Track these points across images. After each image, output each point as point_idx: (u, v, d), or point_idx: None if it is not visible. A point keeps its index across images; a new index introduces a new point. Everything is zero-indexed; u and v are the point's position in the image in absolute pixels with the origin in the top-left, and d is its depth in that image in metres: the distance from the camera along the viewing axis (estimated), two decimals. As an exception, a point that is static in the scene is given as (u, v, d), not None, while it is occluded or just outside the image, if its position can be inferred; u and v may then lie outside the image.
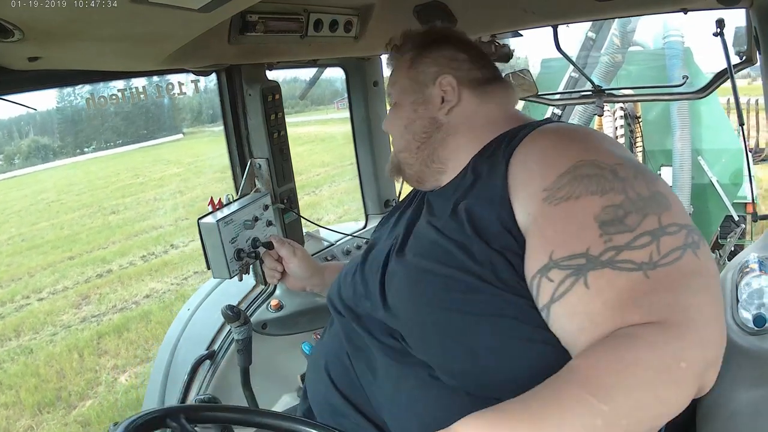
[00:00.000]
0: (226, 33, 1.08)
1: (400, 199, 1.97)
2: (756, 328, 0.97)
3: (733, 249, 4.48)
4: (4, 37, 0.69)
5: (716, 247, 4.63)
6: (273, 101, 1.39)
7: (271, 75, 1.46)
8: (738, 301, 1.06)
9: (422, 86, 0.96)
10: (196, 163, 14.52)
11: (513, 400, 0.62)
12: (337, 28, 1.30)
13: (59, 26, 0.71)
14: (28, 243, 9.23)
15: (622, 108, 4.50)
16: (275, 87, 1.40)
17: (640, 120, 4.60)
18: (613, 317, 0.65)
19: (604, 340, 0.64)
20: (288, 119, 1.44)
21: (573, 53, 4.66)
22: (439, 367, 0.78)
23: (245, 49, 1.17)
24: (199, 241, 1.19)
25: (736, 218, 4.67)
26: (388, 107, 1.08)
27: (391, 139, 1.04)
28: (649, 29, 5.03)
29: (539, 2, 1.37)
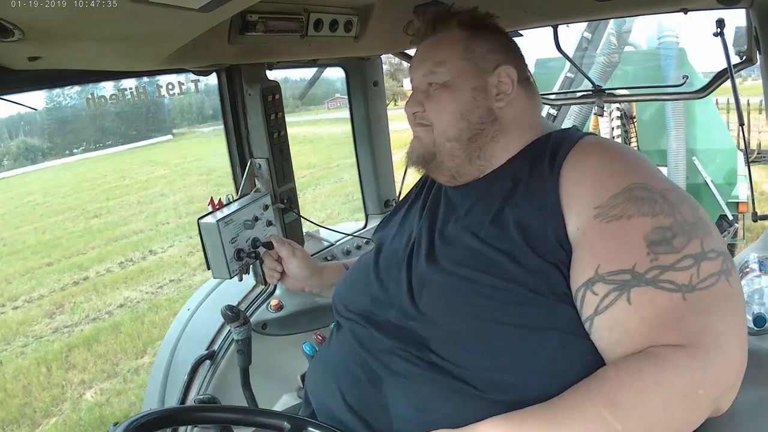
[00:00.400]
0: (226, 33, 1.08)
1: (400, 199, 1.97)
2: (756, 328, 0.97)
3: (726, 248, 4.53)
4: (4, 37, 0.69)
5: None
6: (273, 101, 1.39)
7: (271, 75, 1.46)
8: (738, 301, 1.06)
9: (482, 72, 0.88)
10: (183, 165, 14.37)
11: (538, 406, 0.67)
12: (337, 28, 1.29)
13: (59, 26, 0.71)
14: (9, 248, 9.02)
15: (618, 108, 4.53)
16: (275, 87, 1.40)
17: (634, 120, 4.63)
18: (649, 334, 0.68)
19: (635, 355, 0.68)
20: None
21: (569, 53, 4.67)
22: (474, 378, 0.76)
23: (245, 49, 1.17)
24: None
25: (730, 218, 4.75)
26: (386, 107, 1.06)
27: (429, 127, 0.92)
28: (642, 30, 5.10)
29: (539, 2, 1.37)
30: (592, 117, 4.64)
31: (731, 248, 4.57)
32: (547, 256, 0.76)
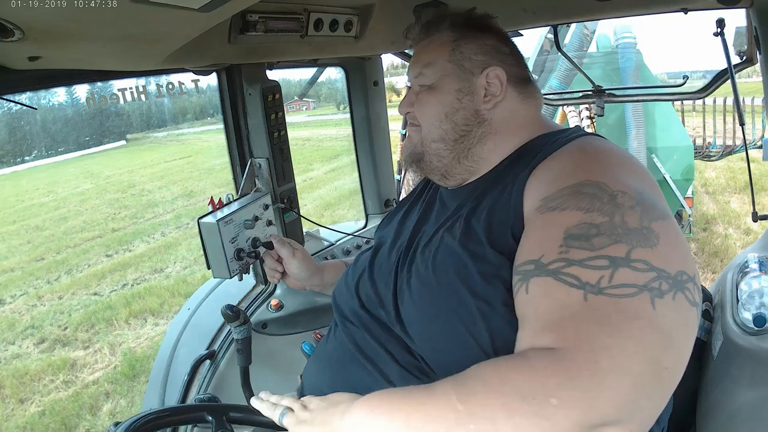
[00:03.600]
0: (226, 33, 1.08)
1: (400, 199, 1.97)
2: (756, 328, 0.97)
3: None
4: (4, 37, 0.69)
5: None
6: (273, 101, 1.39)
7: (271, 75, 1.46)
8: (738, 301, 1.06)
9: (468, 74, 0.88)
10: (112, 178, 13.42)
11: (410, 388, 0.65)
12: (337, 28, 1.30)
13: (59, 26, 0.71)
14: None
15: (587, 108, 4.64)
16: (275, 87, 1.40)
17: (593, 119, 4.74)
18: (533, 330, 0.63)
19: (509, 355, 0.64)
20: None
21: (528, 56, 4.88)
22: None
23: (245, 49, 1.17)
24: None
25: (689, 212, 5.08)
26: (388, 105, 1.06)
27: (419, 128, 0.93)
28: (598, 31, 5.30)
29: (539, 2, 1.37)
30: (559, 112, 4.75)
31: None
32: (504, 251, 0.74)
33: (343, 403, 0.70)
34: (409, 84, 0.97)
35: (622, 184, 0.69)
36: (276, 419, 0.76)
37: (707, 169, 8.37)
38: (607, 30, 5.32)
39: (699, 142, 7.36)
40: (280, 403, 0.79)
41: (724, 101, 7.70)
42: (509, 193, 0.78)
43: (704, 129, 7.83)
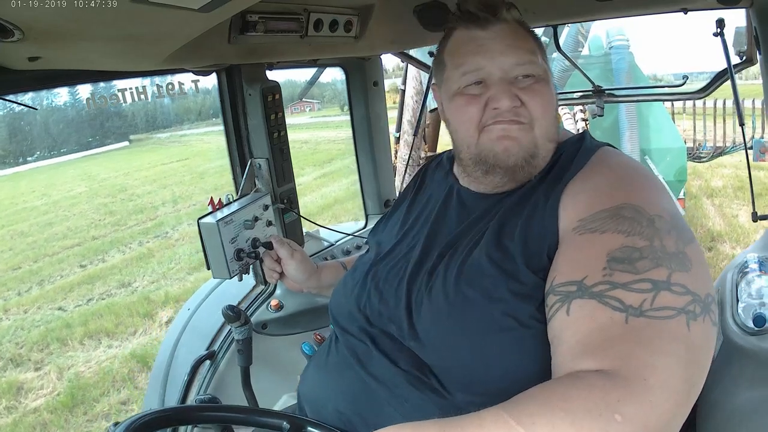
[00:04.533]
0: (226, 33, 1.08)
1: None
2: (756, 328, 0.97)
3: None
4: (4, 37, 0.69)
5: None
6: (273, 101, 1.39)
7: (271, 75, 1.46)
8: (738, 301, 1.06)
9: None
10: (107, 181, 12.96)
11: (445, 419, 0.60)
12: (337, 28, 1.30)
13: (59, 26, 0.71)
14: None
15: (582, 110, 4.68)
16: (275, 87, 1.40)
17: (587, 121, 4.79)
18: (576, 355, 0.62)
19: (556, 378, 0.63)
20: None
21: None
22: (476, 406, 0.73)
23: (245, 49, 1.17)
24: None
25: (683, 213, 4.95)
26: (387, 105, 1.02)
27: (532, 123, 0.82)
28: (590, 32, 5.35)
29: (539, 2, 1.37)
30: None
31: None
32: (538, 271, 0.74)
33: None
34: (491, 74, 0.82)
35: (658, 207, 0.71)
36: None
37: (714, 177, 7.80)
38: (600, 32, 5.46)
39: (690, 144, 7.43)
40: None
41: (714, 103, 7.83)
42: (543, 209, 0.77)
43: (694, 131, 7.93)
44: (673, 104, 7.49)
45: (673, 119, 6.82)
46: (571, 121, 4.76)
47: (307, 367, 1.01)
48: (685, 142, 6.46)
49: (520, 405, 0.57)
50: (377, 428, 0.76)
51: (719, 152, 7.25)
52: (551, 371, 0.68)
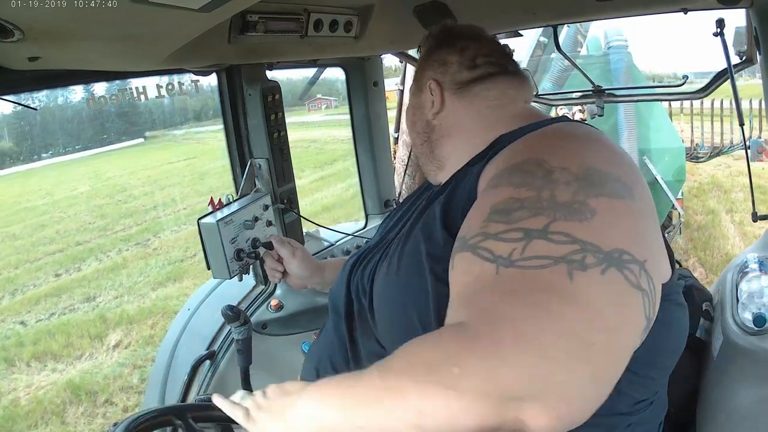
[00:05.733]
0: (226, 33, 1.08)
1: (401, 199, 1.98)
2: (756, 328, 0.97)
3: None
4: (4, 37, 0.69)
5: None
6: (273, 101, 1.39)
7: (271, 75, 1.46)
8: (738, 301, 1.06)
9: (420, 90, 0.98)
10: (111, 180, 12.58)
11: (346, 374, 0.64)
12: (337, 28, 1.30)
13: (59, 26, 0.71)
14: None
15: (580, 110, 4.69)
16: (275, 87, 1.40)
17: (584, 121, 4.81)
18: (454, 309, 0.62)
19: None
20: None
21: (522, 57, 4.99)
22: None
23: (245, 49, 1.17)
24: (200, 244, 1.19)
25: (681, 213, 5.17)
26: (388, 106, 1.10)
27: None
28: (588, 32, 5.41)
29: (539, 2, 1.37)
30: (552, 113, 4.79)
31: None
32: (453, 233, 0.73)
33: (295, 393, 0.71)
34: None
35: (568, 161, 0.66)
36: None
37: (734, 189, 7.07)
38: (599, 32, 5.47)
39: (687, 144, 7.42)
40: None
41: (712, 103, 7.84)
42: (468, 180, 0.80)
43: (692, 131, 7.94)
44: (670, 104, 7.51)
45: (671, 119, 6.83)
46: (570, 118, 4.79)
47: (304, 361, 1.08)
48: (683, 142, 6.45)
49: (389, 360, 0.58)
50: None
51: (717, 152, 7.25)
52: None
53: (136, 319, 5.02)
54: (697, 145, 7.78)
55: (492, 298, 0.57)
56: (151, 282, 6.09)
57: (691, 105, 7.97)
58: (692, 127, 8.02)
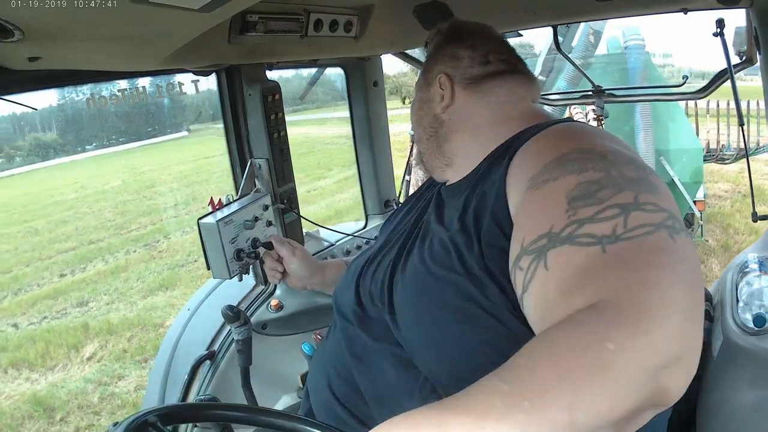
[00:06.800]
0: (226, 33, 1.08)
1: (401, 199, 1.98)
2: (756, 328, 0.97)
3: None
4: (4, 37, 0.69)
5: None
6: (273, 101, 1.39)
7: (271, 75, 1.46)
8: (738, 301, 1.06)
9: (428, 84, 0.97)
10: (146, 175, 12.17)
11: (435, 404, 0.50)
12: (337, 28, 1.30)
13: (59, 26, 0.71)
14: None
15: (594, 110, 4.66)
16: (275, 87, 1.40)
17: (602, 121, 4.77)
18: (564, 303, 0.56)
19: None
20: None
21: (539, 58, 4.96)
22: (433, 377, 0.77)
23: (245, 49, 1.17)
24: (199, 244, 1.19)
25: (698, 215, 5.00)
26: (389, 106, 1.10)
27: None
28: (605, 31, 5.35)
29: (539, 2, 1.37)
30: (566, 113, 4.78)
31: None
32: (492, 244, 0.73)
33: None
34: None
35: (606, 147, 0.69)
36: None
37: None
38: (617, 32, 5.34)
39: (713, 145, 7.33)
40: None
41: (728, 103, 7.75)
42: (493, 183, 0.78)
43: (718, 132, 7.86)
44: (696, 104, 7.40)
45: (696, 121, 6.73)
46: (584, 120, 4.76)
47: (310, 364, 1.08)
48: (708, 144, 6.34)
49: (508, 365, 0.50)
50: (363, 399, 0.84)
51: (743, 154, 7.21)
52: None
53: (117, 329, 4.80)
54: (723, 146, 7.72)
55: (613, 273, 0.55)
56: (144, 289, 5.89)
57: (717, 106, 7.89)
58: (718, 128, 7.92)
